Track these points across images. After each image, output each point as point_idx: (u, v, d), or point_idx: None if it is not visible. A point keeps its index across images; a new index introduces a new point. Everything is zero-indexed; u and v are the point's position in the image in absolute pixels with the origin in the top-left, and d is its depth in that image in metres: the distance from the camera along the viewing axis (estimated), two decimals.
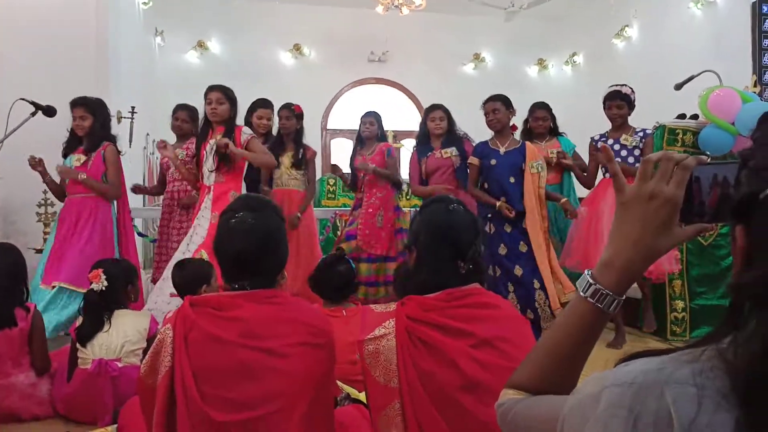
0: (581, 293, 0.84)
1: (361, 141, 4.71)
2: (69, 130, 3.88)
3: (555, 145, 4.57)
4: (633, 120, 4.23)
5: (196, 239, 3.50)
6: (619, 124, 4.13)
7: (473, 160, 4.06)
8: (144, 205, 6.18)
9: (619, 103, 4.07)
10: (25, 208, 4.47)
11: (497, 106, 4.01)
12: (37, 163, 3.79)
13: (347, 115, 9.21)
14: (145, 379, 1.52)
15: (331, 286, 2.60)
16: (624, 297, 0.83)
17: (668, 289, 4.26)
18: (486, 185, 4.00)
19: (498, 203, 3.82)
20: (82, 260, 3.52)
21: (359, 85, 9.48)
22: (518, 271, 3.76)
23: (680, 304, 4.28)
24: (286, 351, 1.47)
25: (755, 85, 5.14)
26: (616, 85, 4.13)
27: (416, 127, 9.81)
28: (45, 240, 4.39)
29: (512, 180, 3.88)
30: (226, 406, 1.40)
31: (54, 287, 3.53)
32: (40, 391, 2.65)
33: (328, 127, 9.41)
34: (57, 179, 3.93)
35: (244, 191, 3.77)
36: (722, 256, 4.32)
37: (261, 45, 8.91)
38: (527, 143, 4.08)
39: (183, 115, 4.50)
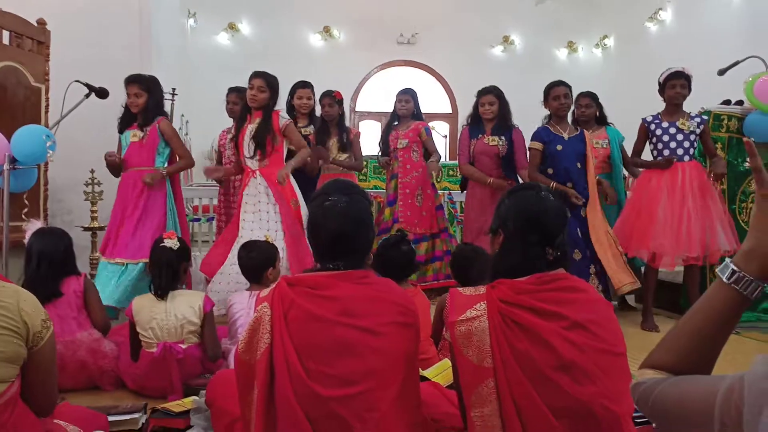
0: (725, 280, 0.89)
1: (396, 117, 4.72)
2: (123, 106, 3.93)
3: (602, 136, 4.50)
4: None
5: (271, 225, 3.63)
6: (675, 106, 4.00)
7: (536, 144, 4.00)
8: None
9: (683, 82, 3.94)
10: (74, 187, 4.56)
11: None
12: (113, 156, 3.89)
13: (376, 97, 9.24)
14: (242, 356, 1.58)
15: (394, 266, 2.68)
16: (766, 283, 0.88)
17: (709, 275, 4.26)
18: (550, 171, 3.99)
19: (567, 189, 3.83)
20: (138, 235, 3.74)
21: (388, 68, 9.50)
22: (577, 255, 3.81)
23: None
24: (381, 330, 1.53)
25: None
26: (675, 67, 4.00)
27: (444, 109, 9.83)
28: (92, 218, 4.50)
29: (579, 166, 3.88)
30: (329, 381, 1.46)
31: (116, 262, 3.71)
32: (104, 347, 2.81)
33: (356, 109, 9.45)
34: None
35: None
36: None
37: (291, 27, 8.95)
38: (584, 130, 4.10)
39: (233, 97, 4.59)
